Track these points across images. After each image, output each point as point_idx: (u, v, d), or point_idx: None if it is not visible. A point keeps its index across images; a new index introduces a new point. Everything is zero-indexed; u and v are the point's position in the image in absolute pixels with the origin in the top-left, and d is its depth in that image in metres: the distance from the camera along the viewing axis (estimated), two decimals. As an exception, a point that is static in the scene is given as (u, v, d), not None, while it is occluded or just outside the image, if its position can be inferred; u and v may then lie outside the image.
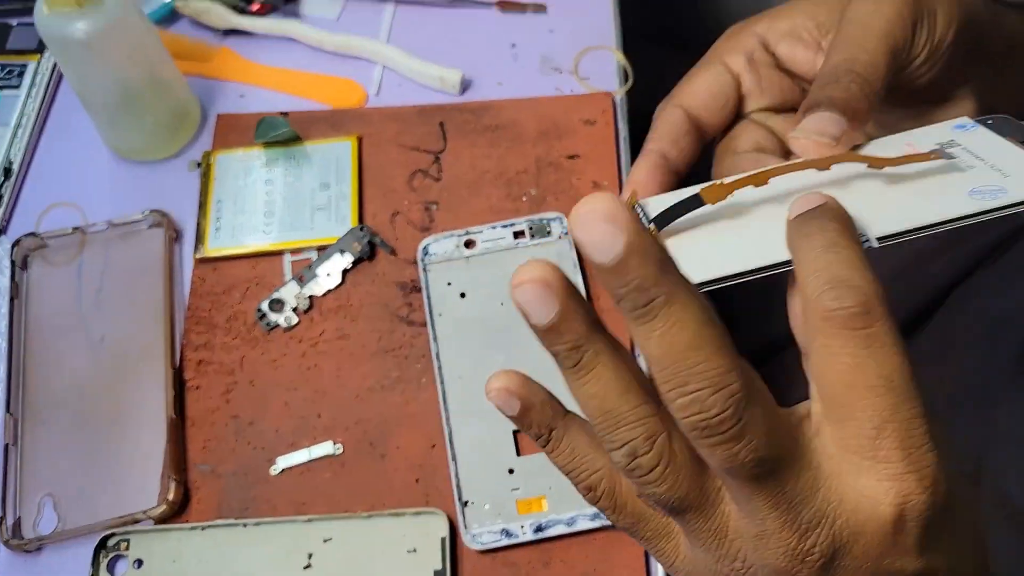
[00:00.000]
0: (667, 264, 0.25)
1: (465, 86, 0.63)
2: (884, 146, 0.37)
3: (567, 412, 0.31)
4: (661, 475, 0.28)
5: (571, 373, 0.27)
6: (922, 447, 0.27)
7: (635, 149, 0.60)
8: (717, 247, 0.33)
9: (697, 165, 0.42)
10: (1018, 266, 0.69)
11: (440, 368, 0.52)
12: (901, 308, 0.74)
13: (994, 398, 0.58)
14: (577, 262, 0.55)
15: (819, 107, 0.36)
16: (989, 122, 0.37)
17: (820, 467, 0.27)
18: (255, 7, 0.66)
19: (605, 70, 0.63)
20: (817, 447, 0.28)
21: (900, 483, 0.27)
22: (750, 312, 0.78)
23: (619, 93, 0.62)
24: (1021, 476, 0.53)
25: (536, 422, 0.31)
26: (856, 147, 0.38)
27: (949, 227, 0.32)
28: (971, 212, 0.32)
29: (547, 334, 0.26)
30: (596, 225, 0.24)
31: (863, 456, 0.27)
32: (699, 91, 0.42)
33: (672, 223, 0.34)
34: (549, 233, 0.56)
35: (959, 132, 0.37)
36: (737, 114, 0.43)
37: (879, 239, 0.32)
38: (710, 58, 0.43)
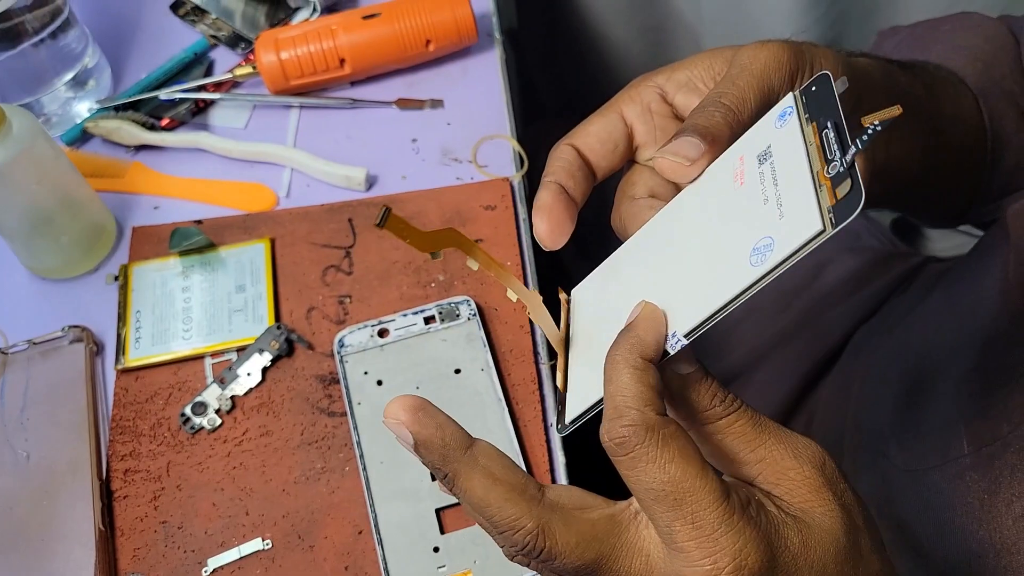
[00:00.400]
0: (449, 451, 0.34)
1: (371, 182, 0.66)
2: (721, 162, 0.37)
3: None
4: (546, 563, 0.34)
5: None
6: (715, 532, 0.31)
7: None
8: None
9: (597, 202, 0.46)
10: (910, 306, 0.74)
11: (362, 455, 0.54)
12: (807, 356, 0.78)
13: (886, 436, 0.61)
14: (485, 340, 0.58)
15: (683, 133, 0.39)
16: (811, 91, 0.33)
17: (650, 555, 0.34)
18: (164, 122, 0.69)
19: (502, 157, 0.67)
20: (646, 537, 0.34)
21: (700, 570, 0.32)
22: (702, 348, 0.81)
23: (516, 178, 0.66)
24: (916, 510, 0.56)
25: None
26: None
27: (744, 300, 0.31)
28: (750, 283, 0.31)
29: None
30: (393, 425, 0.35)
31: (671, 547, 0.32)
32: (591, 134, 0.44)
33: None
34: (458, 316, 0.59)
35: (779, 129, 0.34)
36: (633, 160, 0.46)
37: (687, 335, 0.33)
38: (607, 106, 0.46)
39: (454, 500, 0.52)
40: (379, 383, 0.57)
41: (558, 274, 0.84)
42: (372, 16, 0.69)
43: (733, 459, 0.34)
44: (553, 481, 0.54)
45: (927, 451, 0.56)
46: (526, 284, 0.61)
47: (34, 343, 0.60)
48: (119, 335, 0.60)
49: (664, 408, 0.34)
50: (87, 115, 0.70)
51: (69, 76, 0.68)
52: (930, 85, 0.56)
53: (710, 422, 0.34)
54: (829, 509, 0.33)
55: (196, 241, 0.62)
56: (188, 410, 0.57)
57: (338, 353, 0.58)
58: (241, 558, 0.53)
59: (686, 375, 0.34)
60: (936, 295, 0.67)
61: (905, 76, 0.54)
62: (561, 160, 0.44)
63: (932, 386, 0.59)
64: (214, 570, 0.52)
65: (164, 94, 0.70)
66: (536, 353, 0.58)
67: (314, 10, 0.74)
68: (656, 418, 0.33)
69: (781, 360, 0.79)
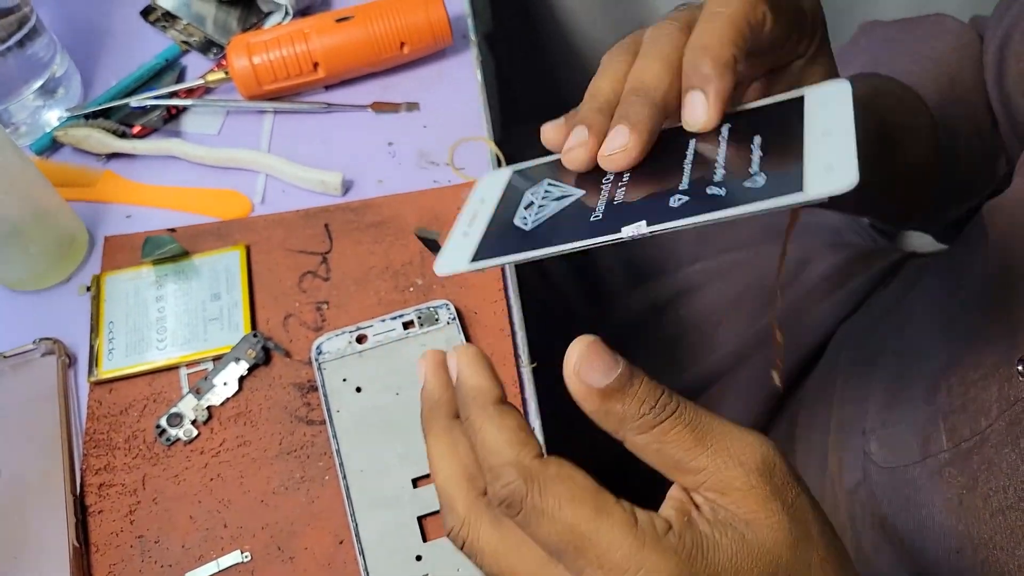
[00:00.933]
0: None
1: (347, 187, 0.66)
2: None
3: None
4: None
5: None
6: (626, 572, 0.30)
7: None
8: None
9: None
10: (891, 302, 0.74)
11: (342, 464, 0.54)
12: (791, 353, 0.78)
13: (867, 434, 0.61)
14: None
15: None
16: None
17: None
18: (136, 130, 0.68)
19: (479, 159, 0.66)
20: None
21: None
22: (658, 368, 0.81)
23: (493, 180, 0.65)
24: (897, 506, 0.56)
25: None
26: None
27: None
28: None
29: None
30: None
31: None
32: None
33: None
34: (437, 320, 0.58)
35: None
36: None
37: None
38: None
39: (435, 507, 0.51)
40: (358, 390, 0.56)
41: (547, 286, 0.84)
42: (345, 19, 0.68)
43: (675, 467, 0.32)
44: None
45: (907, 448, 0.56)
46: (505, 286, 0.60)
47: (4, 356, 0.59)
48: (92, 346, 0.59)
49: (539, 447, 0.32)
50: (56, 124, 0.68)
51: (37, 84, 0.67)
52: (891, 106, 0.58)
53: (643, 432, 0.31)
54: (775, 522, 0.31)
55: (169, 249, 0.61)
56: (164, 421, 0.56)
57: (316, 360, 0.57)
58: (220, 571, 0.52)
59: (607, 387, 0.31)
60: (916, 291, 0.67)
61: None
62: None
63: (911, 382, 0.59)
64: (192, 584, 0.51)
65: (135, 101, 0.69)
66: (517, 356, 0.58)
67: (286, 14, 0.73)
68: (533, 464, 0.32)
69: (764, 358, 0.79)
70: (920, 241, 0.97)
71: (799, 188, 0.31)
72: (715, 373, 0.81)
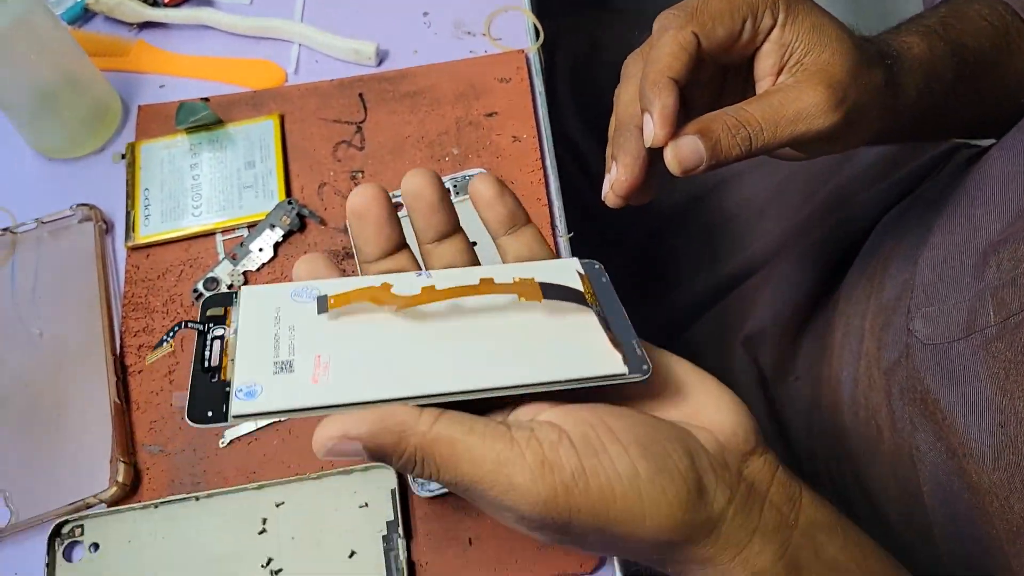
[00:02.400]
0: None
1: (382, 57, 0.64)
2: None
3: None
4: None
5: None
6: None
7: (551, 103, 0.62)
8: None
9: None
10: (939, 190, 0.72)
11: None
12: (833, 242, 0.76)
13: (911, 312, 0.60)
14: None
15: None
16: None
17: None
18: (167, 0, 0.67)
19: (517, 29, 0.64)
20: None
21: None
22: (697, 257, 0.79)
23: (531, 50, 0.63)
24: (940, 381, 0.55)
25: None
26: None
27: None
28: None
29: None
30: None
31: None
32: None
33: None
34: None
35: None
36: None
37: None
38: None
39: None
40: (393, 257, 0.55)
41: (572, 153, 0.82)
42: None
43: None
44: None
45: (952, 323, 0.55)
46: (542, 155, 0.59)
47: (43, 222, 0.59)
48: (128, 213, 0.59)
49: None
50: (88, -8, 0.67)
51: (68, -50, 0.66)
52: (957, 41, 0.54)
53: None
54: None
55: (203, 117, 0.60)
56: (200, 285, 0.56)
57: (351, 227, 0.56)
58: (257, 429, 0.52)
59: None
60: (967, 177, 0.65)
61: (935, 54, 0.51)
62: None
63: (959, 260, 0.57)
64: (231, 441, 0.52)
65: (166, -31, 0.67)
66: (554, 227, 0.57)
67: None
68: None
69: (806, 247, 0.77)
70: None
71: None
72: (755, 263, 0.79)
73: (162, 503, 0.50)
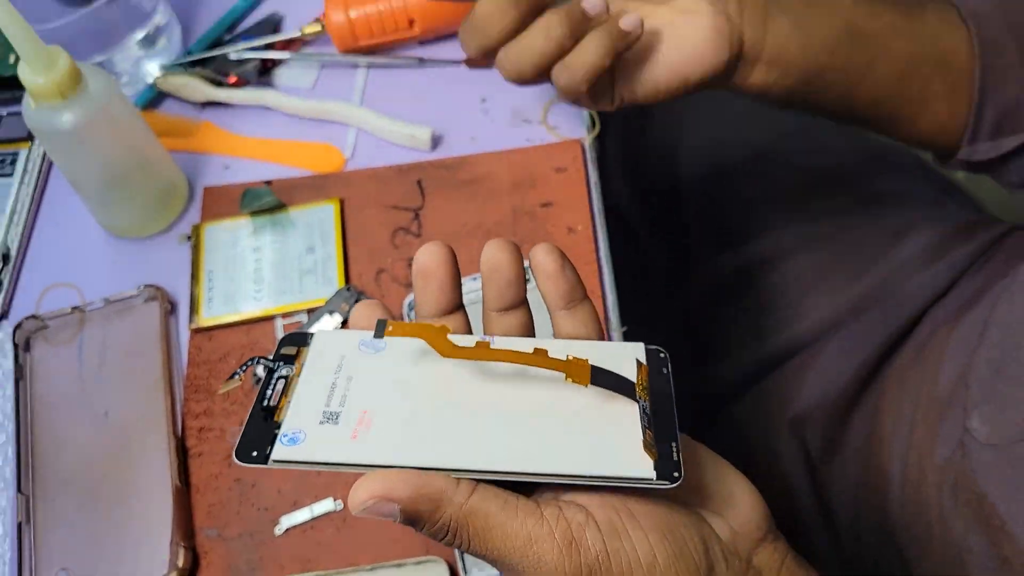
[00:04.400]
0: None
1: (439, 142, 0.66)
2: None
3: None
4: None
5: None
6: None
7: (605, 193, 0.63)
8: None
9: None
10: (993, 277, 0.71)
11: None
12: (883, 327, 0.76)
13: (968, 409, 0.59)
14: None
15: None
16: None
17: None
18: (231, 80, 0.69)
19: (573, 118, 0.66)
20: None
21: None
22: (742, 332, 0.80)
23: (588, 139, 0.64)
24: (999, 485, 0.54)
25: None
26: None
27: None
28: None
29: None
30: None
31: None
32: None
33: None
34: (528, 280, 0.58)
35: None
36: None
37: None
38: None
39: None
40: (449, 347, 0.57)
41: (628, 239, 0.83)
42: (442, -26, 0.67)
43: None
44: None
45: (1011, 424, 0.54)
46: (596, 248, 0.60)
47: (110, 301, 0.61)
48: (192, 295, 0.61)
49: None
50: (157, 74, 0.70)
51: (141, 35, 0.68)
52: None
53: None
54: None
55: (267, 202, 0.62)
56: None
57: (408, 316, 0.57)
58: (313, 518, 0.53)
59: None
60: (1022, 268, 0.65)
61: None
62: None
63: (1018, 357, 0.57)
64: (287, 529, 0.53)
65: (233, 53, 0.69)
66: (607, 319, 0.57)
67: (382, -33, 0.72)
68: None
69: (855, 330, 0.77)
70: None
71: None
72: (801, 342, 0.79)
73: (220, 590, 0.51)
